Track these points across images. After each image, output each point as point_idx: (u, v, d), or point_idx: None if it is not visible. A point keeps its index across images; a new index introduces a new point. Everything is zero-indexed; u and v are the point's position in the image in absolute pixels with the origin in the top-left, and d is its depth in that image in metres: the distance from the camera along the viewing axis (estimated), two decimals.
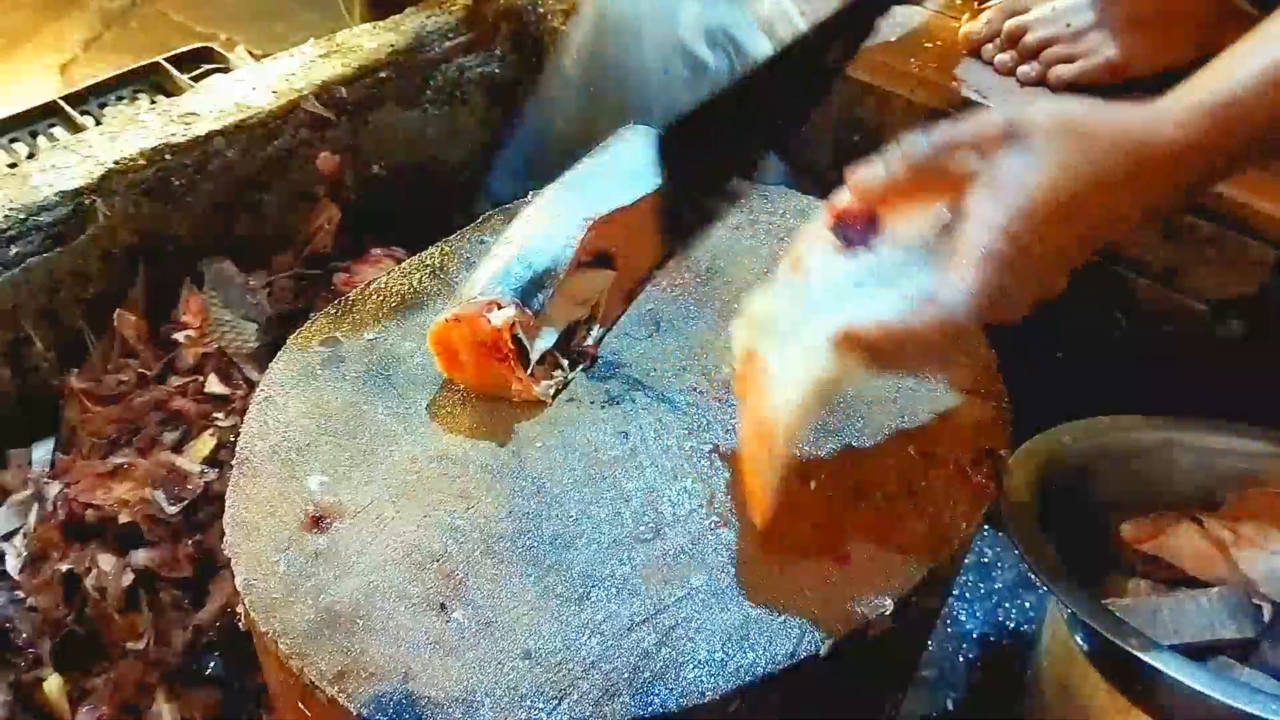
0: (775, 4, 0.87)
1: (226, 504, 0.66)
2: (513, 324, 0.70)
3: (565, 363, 0.75)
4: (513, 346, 0.70)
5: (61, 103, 1.35)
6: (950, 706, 0.99)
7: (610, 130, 0.90)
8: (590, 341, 0.77)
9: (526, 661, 0.56)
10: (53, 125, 1.34)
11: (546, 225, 0.77)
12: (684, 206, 0.76)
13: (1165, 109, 0.61)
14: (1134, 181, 0.60)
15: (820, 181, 1.13)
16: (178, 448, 0.91)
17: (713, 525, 0.64)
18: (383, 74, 1.10)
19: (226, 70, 1.41)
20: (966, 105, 0.98)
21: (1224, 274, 0.89)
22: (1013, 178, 0.58)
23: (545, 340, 0.74)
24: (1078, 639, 0.78)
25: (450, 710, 0.54)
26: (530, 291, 0.72)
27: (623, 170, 0.85)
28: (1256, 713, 0.62)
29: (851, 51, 0.83)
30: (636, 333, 0.79)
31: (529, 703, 0.54)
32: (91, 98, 1.39)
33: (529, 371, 0.71)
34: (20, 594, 0.87)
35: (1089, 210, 0.59)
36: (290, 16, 2.67)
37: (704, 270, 0.85)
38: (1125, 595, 0.82)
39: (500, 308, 0.70)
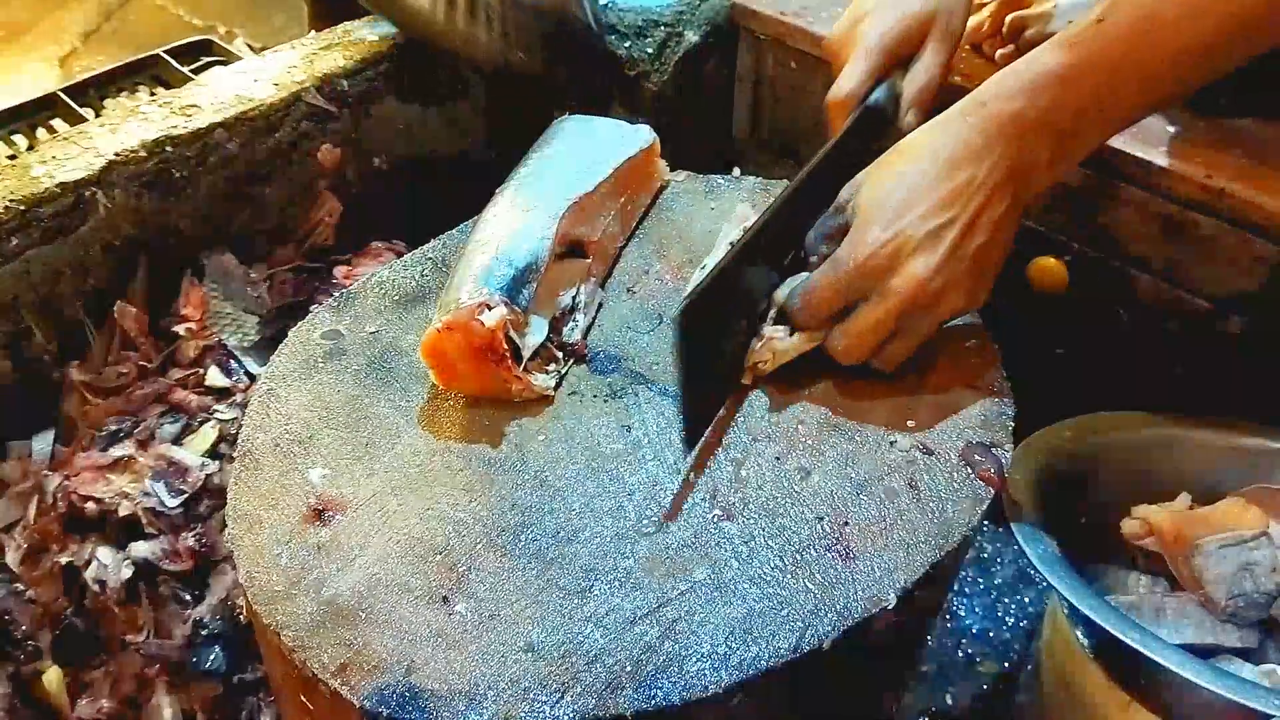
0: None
1: (228, 496, 0.66)
2: (505, 323, 0.69)
3: (559, 355, 0.75)
4: (507, 346, 0.69)
5: (61, 95, 1.35)
6: (950, 701, 0.99)
7: None
8: (577, 333, 0.77)
9: (529, 654, 0.56)
10: (52, 117, 1.34)
11: (516, 222, 0.77)
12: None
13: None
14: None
15: None
16: (178, 440, 0.91)
17: (715, 519, 0.64)
18: (384, 66, 1.10)
19: (226, 62, 1.40)
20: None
21: (1227, 271, 0.89)
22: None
23: (536, 335, 0.73)
24: (1078, 634, 0.78)
25: (453, 703, 0.54)
26: (515, 289, 0.72)
27: (574, 159, 0.86)
28: (1259, 708, 0.62)
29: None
30: (639, 327, 0.79)
31: (532, 695, 0.54)
32: (91, 90, 1.39)
33: (523, 368, 0.71)
34: (20, 586, 0.87)
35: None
36: (289, 9, 2.67)
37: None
38: (1126, 590, 0.82)
39: (490, 308, 0.69)
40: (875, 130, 0.84)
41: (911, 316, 0.69)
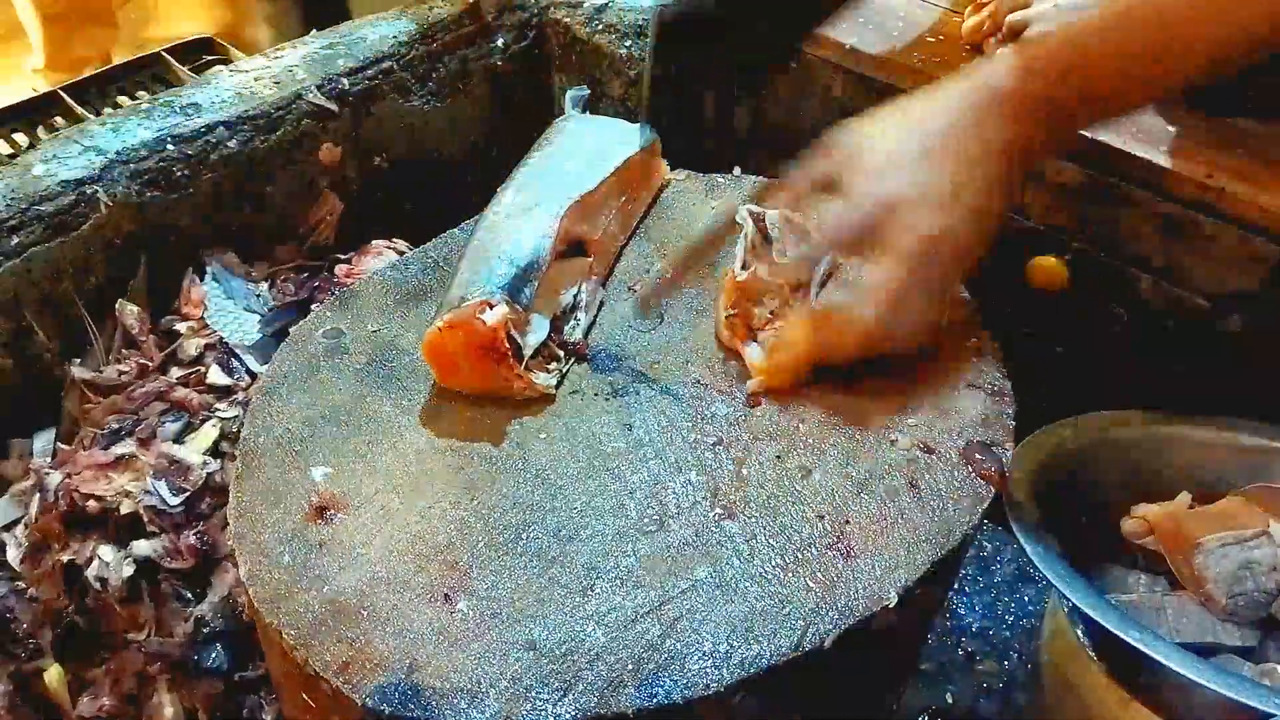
0: None
1: (230, 495, 0.66)
2: (506, 322, 0.69)
3: (560, 353, 0.75)
4: (508, 345, 0.69)
5: (63, 93, 1.35)
6: (949, 700, 0.99)
7: None
8: (579, 331, 0.77)
9: (531, 653, 0.57)
10: (54, 116, 1.34)
11: (518, 221, 0.77)
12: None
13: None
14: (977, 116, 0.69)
15: None
16: (179, 439, 0.91)
17: (717, 517, 0.64)
18: (385, 65, 1.10)
19: (226, 62, 1.41)
20: None
21: (1225, 270, 0.89)
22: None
23: (537, 334, 0.74)
24: (1079, 632, 0.78)
25: (455, 701, 0.54)
26: (517, 287, 0.72)
27: (575, 158, 0.86)
28: (1259, 706, 0.62)
29: None
30: (640, 325, 0.79)
31: (534, 694, 0.55)
32: (92, 88, 1.39)
33: (524, 366, 0.71)
34: (21, 584, 0.87)
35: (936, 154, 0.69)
36: (290, 10, 2.66)
37: (706, 264, 0.85)
38: (1126, 589, 0.82)
39: (491, 307, 0.69)
40: None
41: (924, 260, 0.69)
